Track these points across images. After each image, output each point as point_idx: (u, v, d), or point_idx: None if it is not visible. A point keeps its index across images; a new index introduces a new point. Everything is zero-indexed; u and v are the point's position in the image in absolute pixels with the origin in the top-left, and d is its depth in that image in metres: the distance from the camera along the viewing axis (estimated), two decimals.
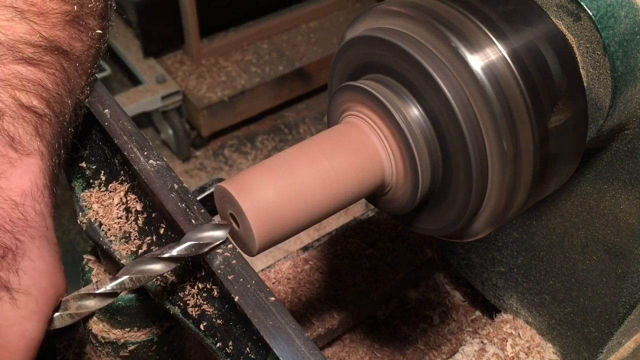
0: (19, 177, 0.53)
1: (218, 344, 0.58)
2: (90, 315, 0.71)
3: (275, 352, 0.51)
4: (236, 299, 0.54)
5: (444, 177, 0.59)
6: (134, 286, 0.56)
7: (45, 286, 0.52)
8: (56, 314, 0.54)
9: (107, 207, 0.66)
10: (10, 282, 0.50)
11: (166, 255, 0.55)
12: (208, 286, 0.59)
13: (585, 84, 0.61)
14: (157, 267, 0.55)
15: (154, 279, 0.56)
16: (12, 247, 0.51)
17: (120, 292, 0.56)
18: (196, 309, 0.59)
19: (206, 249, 0.56)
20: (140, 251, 0.64)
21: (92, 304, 0.55)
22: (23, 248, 0.51)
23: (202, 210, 0.59)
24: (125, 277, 0.55)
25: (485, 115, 0.54)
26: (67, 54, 0.59)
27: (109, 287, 0.55)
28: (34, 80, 0.56)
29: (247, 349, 0.56)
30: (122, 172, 0.66)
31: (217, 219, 0.59)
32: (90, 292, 0.55)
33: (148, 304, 0.68)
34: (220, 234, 0.56)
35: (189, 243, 0.55)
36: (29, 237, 0.52)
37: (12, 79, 0.55)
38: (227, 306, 0.57)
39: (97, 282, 0.56)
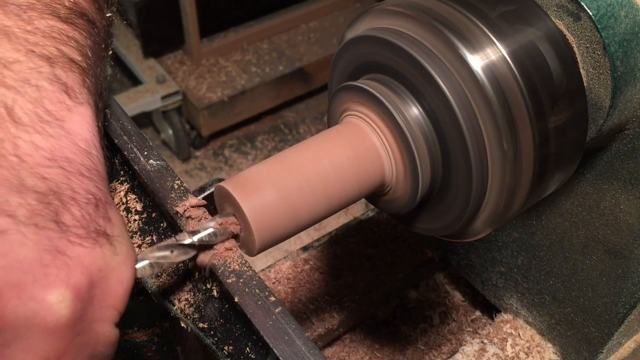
0: (77, 124, 0.51)
1: (218, 344, 0.58)
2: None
3: (275, 352, 0.51)
4: (236, 299, 0.54)
5: (444, 177, 0.59)
6: (211, 240, 0.55)
7: (128, 236, 0.52)
8: (138, 265, 0.53)
9: None
10: (106, 229, 0.49)
11: None
12: (208, 286, 0.59)
13: (585, 84, 0.61)
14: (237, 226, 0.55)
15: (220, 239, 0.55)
16: (100, 196, 0.49)
17: (200, 248, 0.55)
18: (196, 309, 0.59)
19: None
20: None
21: (172, 255, 0.54)
22: (107, 199, 0.50)
23: None
24: (205, 232, 0.55)
25: (485, 115, 0.54)
26: (93, 23, 0.59)
27: (190, 240, 0.54)
28: (72, 38, 0.55)
29: (247, 349, 0.55)
30: (122, 172, 0.66)
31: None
32: (170, 243, 0.54)
33: (148, 304, 0.68)
34: None
35: None
36: (105, 189, 0.51)
37: (53, 32, 0.54)
38: (227, 306, 0.57)
39: (177, 234, 0.55)
